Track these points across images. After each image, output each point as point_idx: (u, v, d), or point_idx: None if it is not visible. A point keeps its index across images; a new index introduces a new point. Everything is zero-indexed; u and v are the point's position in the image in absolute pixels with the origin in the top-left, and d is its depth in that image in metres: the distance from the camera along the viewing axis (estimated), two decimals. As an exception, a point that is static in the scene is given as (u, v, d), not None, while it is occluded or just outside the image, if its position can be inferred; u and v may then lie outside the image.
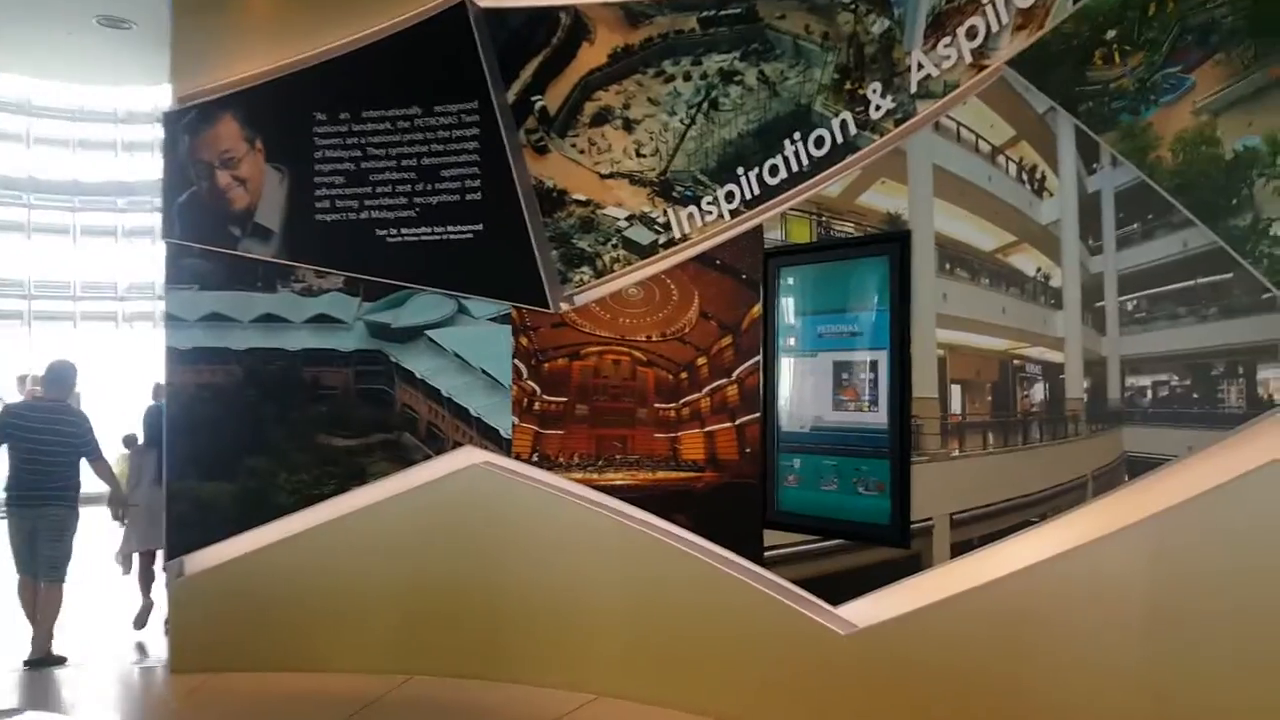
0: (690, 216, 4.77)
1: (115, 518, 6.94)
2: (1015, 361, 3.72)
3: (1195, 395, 3.17)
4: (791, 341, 4.45)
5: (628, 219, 4.98)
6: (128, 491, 6.94)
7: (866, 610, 4.13)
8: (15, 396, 11.40)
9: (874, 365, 4.11)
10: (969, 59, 3.81)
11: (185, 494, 5.78)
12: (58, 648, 6.13)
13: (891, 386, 4.02)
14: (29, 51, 9.35)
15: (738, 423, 4.67)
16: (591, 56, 5.04)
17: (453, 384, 5.49)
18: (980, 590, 3.73)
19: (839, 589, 4.22)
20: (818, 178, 4.33)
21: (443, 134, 5.39)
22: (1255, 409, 3.02)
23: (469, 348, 5.47)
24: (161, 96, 6.04)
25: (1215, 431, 3.11)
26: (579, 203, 5.11)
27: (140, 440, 7.33)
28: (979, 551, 3.76)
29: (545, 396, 5.27)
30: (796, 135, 4.39)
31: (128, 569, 7.17)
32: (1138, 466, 3.31)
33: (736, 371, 4.68)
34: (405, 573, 5.49)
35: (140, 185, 15.70)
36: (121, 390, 13.25)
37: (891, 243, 4.04)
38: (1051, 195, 3.61)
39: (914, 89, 3.99)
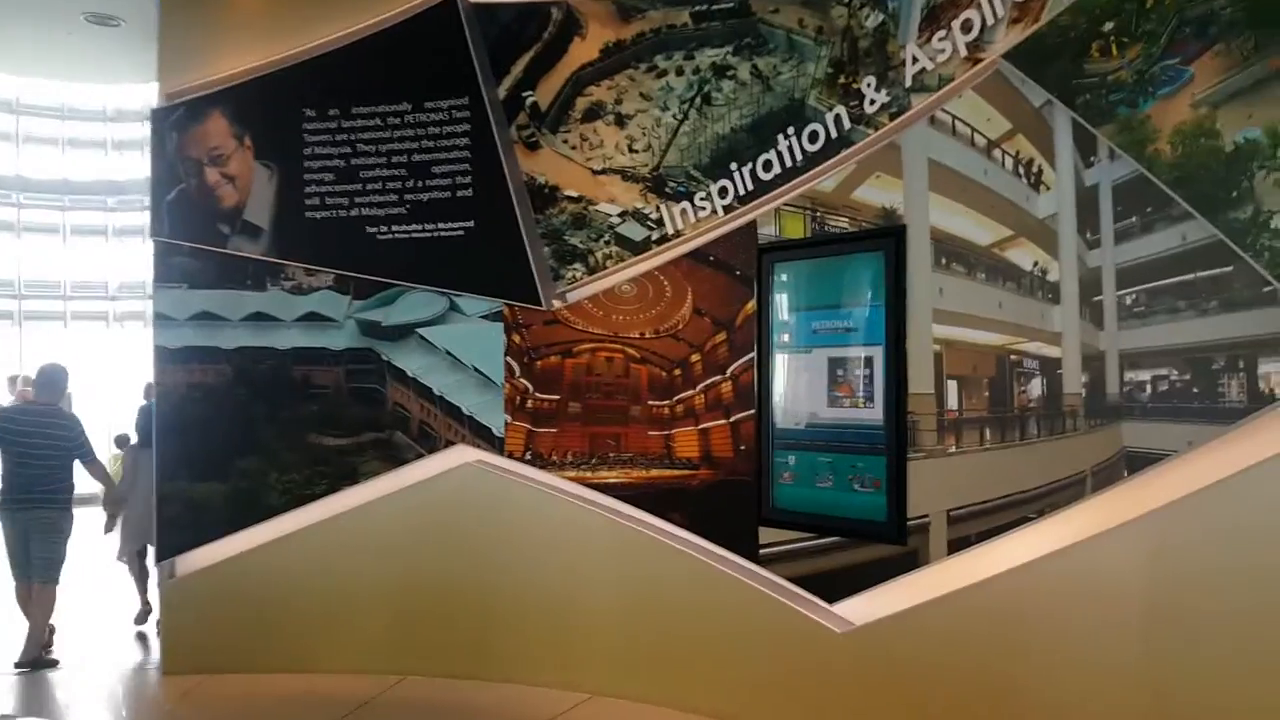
0: (683, 212, 4.74)
1: (110, 519, 6.93)
2: (1012, 357, 3.70)
3: (1195, 390, 3.15)
4: (786, 338, 4.41)
5: (620, 215, 4.94)
6: (123, 490, 6.91)
7: (863, 608, 4.11)
8: (6, 397, 11.40)
9: (869, 361, 4.08)
10: (964, 52, 3.78)
11: (176, 495, 5.74)
12: (53, 651, 6.15)
13: (887, 382, 3.99)
14: (16, 49, 9.29)
15: (732, 420, 4.64)
16: (583, 51, 5.01)
17: (444, 382, 5.46)
18: (977, 587, 3.71)
19: (835, 586, 4.20)
20: (812, 172, 4.30)
21: (433, 130, 5.35)
22: (1256, 403, 3.01)
23: (461, 346, 5.44)
24: (151, 94, 5.96)
25: (1216, 426, 3.09)
26: (571, 199, 5.07)
27: (133, 440, 7.30)
28: (976, 548, 3.74)
29: (538, 394, 5.24)
30: (790, 130, 4.35)
31: (134, 565, 7.14)
32: (1137, 462, 3.28)
33: (731, 368, 4.64)
34: (398, 573, 5.46)
35: (130, 184, 15.60)
36: (113, 390, 13.19)
37: (887, 238, 4.02)
38: (1049, 189, 3.59)
39: (909, 83, 3.96)
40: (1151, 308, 3.27)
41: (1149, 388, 3.27)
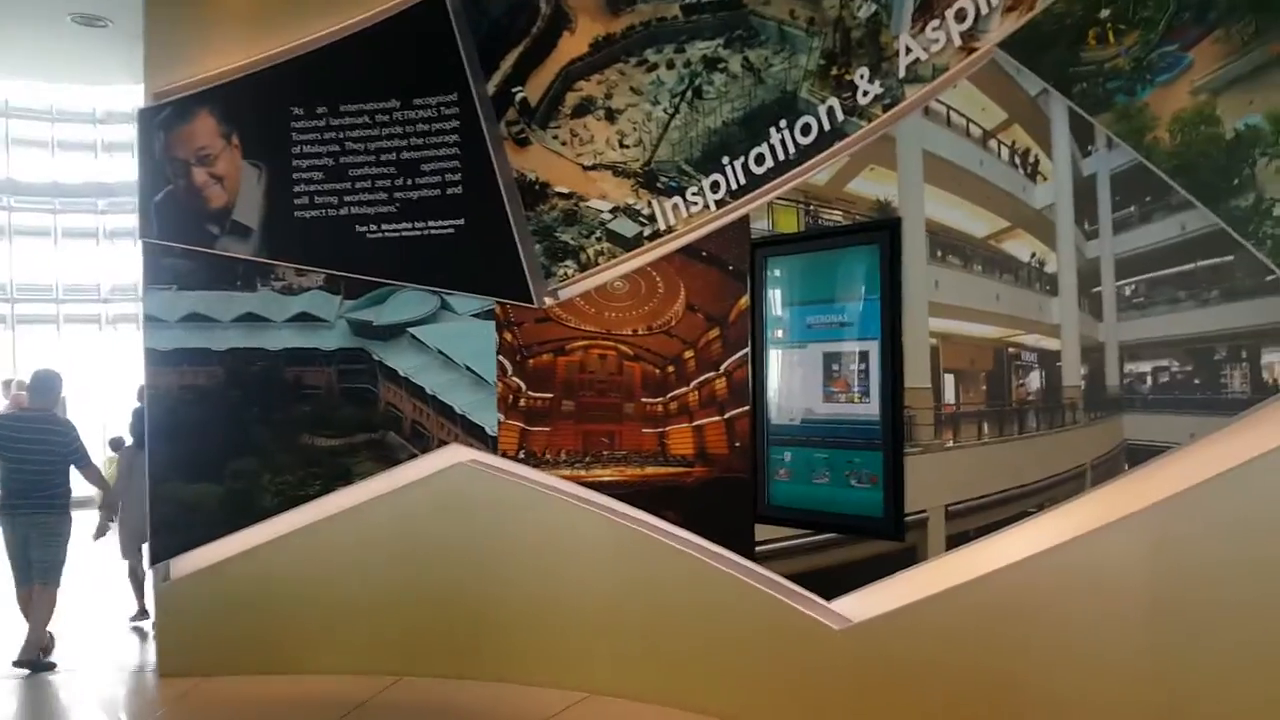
0: (675, 208, 4.69)
1: (102, 524, 6.99)
2: (1010, 349, 3.65)
3: (1197, 381, 3.11)
4: (780, 333, 4.37)
5: (611, 211, 4.89)
6: (117, 493, 7.02)
7: (860, 604, 4.07)
8: (2, 400, 11.42)
9: (865, 356, 4.03)
10: (958, 42, 3.73)
11: (169, 497, 5.72)
12: (51, 656, 6.18)
13: (883, 377, 3.95)
14: (2, 50, 9.21)
15: (727, 416, 4.59)
16: (572, 46, 4.96)
17: (437, 381, 5.44)
18: (977, 583, 3.67)
19: (832, 583, 4.16)
20: (805, 166, 4.24)
21: (422, 127, 5.31)
22: (1260, 394, 2.96)
23: (452, 344, 5.41)
24: (140, 95, 5.91)
25: (1218, 418, 3.05)
26: (562, 195, 5.03)
27: (128, 442, 7.34)
28: (975, 544, 3.69)
29: (531, 393, 5.20)
30: (782, 123, 4.30)
31: (134, 568, 7.18)
32: (1138, 455, 3.24)
33: (725, 364, 4.59)
34: (393, 573, 5.44)
35: (120, 186, 15.53)
36: (106, 393, 13.15)
37: (881, 230, 3.97)
38: (1045, 179, 3.54)
39: (902, 73, 3.91)
40: (1151, 298, 3.22)
41: (1149, 379, 3.23)
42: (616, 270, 4.91)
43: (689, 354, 4.74)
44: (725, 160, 4.49)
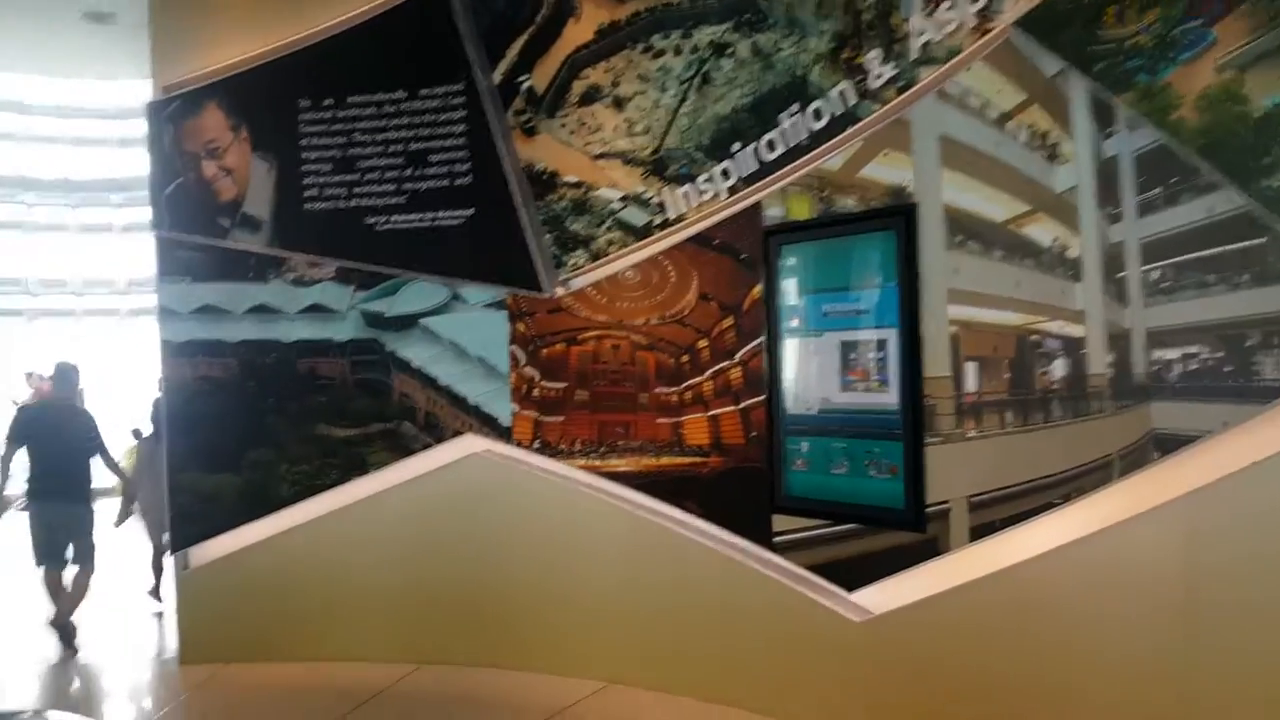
0: (685, 196, 4.61)
1: (123, 513, 7.22)
2: (1033, 337, 3.56)
3: (1228, 368, 3.02)
4: (795, 322, 4.29)
5: (621, 200, 4.82)
6: (135, 481, 7.24)
7: (882, 596, 4.02)
8: (24, 392, 11.72)
9: (883, 344, 3.95)
10: (972, 22, 3.63)
11: (188, 486, 5.77)
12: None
13: (902, 366, 3.87)
14: (14, 47, 9.21)
15: (742, 406, 4.53)
16: (578, 33, 4.88)
17: (450, 372, 5.42)
18: (1001, 576, 3.61)
19: (853, 575, 4.11)
20: (817, 151, 4.15)
21: (429, 118, 5.25)
22: (1293, 381, 2.87)
23: (465, 335, 5.39)
24: (150, 89, 5.90)
25: (1251, 405, 2.97)
26: (571, 185, 4.96)
27: (150, 432, 7.47)
28: (999, 535, 3.62)
29: (544, 383, 5.15)
30: (794, 108, 4.21)
31: (156, 555, 7.30)
32: (1167, 444, 3.16)
33: (739, 354, 4.53)
34: (409, 562, 5.46)
35: (134, 181, 15.59)
36: (125, 385, 13.24)
37: (897, 216, 3.88)
38: (1066, 161, 3.44)
39: (915, 55, 3.81)
40: (1179, 283, 3.13)
41: (1178, 367, 3.14)
42: (627, 260, 4.84)
43: (703, 343, 4.67)
44: (736, 147, 4.41)
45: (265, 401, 5.65)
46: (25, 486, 6.46)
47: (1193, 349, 3.11)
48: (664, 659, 4.82)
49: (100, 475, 6.71)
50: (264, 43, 5.53)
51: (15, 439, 6.47)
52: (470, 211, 5.20)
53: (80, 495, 6.49)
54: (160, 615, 7.06)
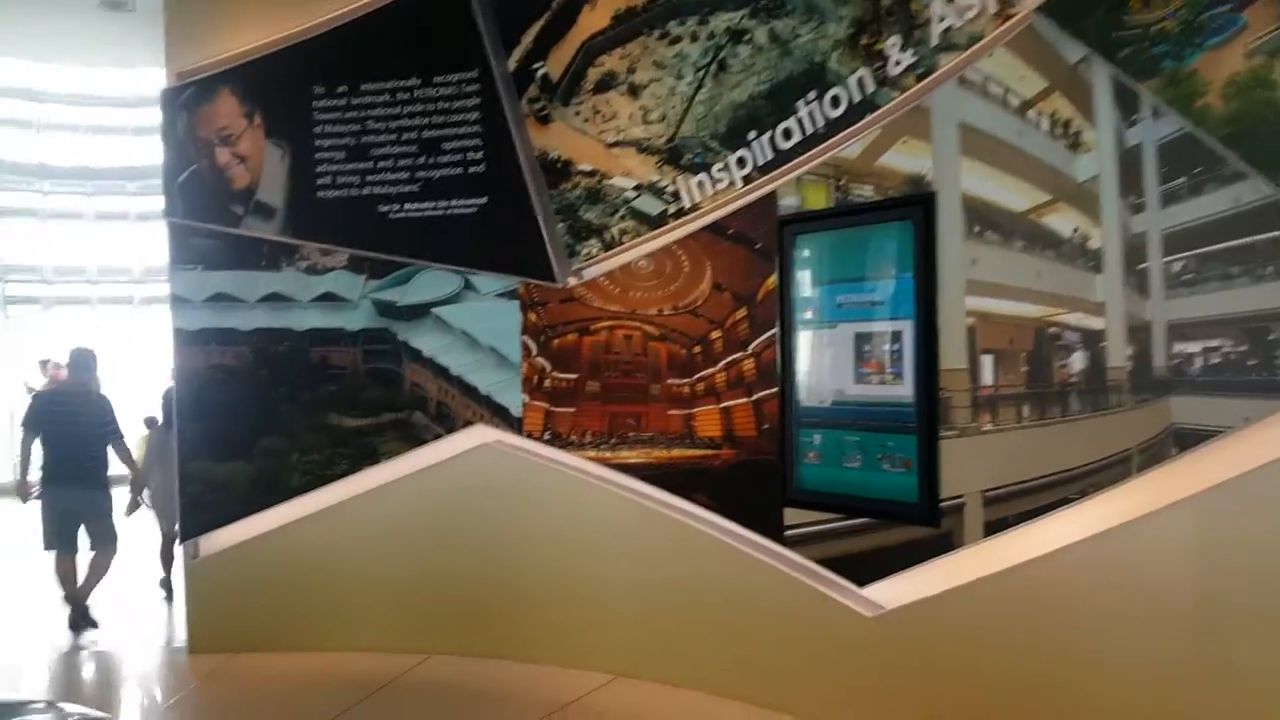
0: (700, 184, 4.56)
1: (133, 501, 7.23)
2: (1052, 329, 3.50)
3: (1251, 362, 2.96)
4: (809, 313, 4.24)
5: (635, 189, 4.78)
6: (145, 471, 7.25)
7: (894, 591, 3.98)
8: (40, 379, 11.81)
9: (898, 336, 3.90)
10: (994, 8, 3.57)
11: (198, 475, 5.77)
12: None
13: (917, 358, 3.82)
14: (31, 35, 9.25)
15: (755, 398, 4.48)
16: (593, 20, 4.83)
17: (461, 362, 5.41)
18: (1015, 571, 3.57)
19: (865, 569, 4.07)
20: (835, 139, 4.10)
21: (443, 105, 5.23)
22: (1318, 376, 2.82)
23: (477, 325, 5.37)
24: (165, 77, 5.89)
25: (1274, 401, 2.91)
26: (585, 173, 4.92)
27: (161, 421, 7.47)
28: (1014, 531, 3.57)
29: (556, 373, 5.12)
30: (811, 95, 4.15)
31: (166, 544, 7.33)
32: (1187, 439, 3.10)
33: (752, 345, 4.48)
34: (420, 552, 5.45)
35: (150, 169, 15.64)
36: (140, 372, 13.27)
37: (915, 206, 3.82)
38: (1089, 150, 3.38)
39: (935, 42, 3.75)
40: (1202, 274, 3.07)
41: (1199, 360, 3.09)
42: (641, 249, 4.80)
43: (716, 334, 4.63)
44: (752, 135, 4.35)
45: (277, 390, 5.64)
46: (40, 473, 6.51)
47: (1215, 342, 3.05)
48: (673, 652, 4.79)
49: (113, 464, 6.74)
50: (278, 29, 5.50)
51: (32, 426, 6.54)
52: (483, 200, 5.17)
53: (96, 480, 6.53)
54: (170, 604, 7.10)
